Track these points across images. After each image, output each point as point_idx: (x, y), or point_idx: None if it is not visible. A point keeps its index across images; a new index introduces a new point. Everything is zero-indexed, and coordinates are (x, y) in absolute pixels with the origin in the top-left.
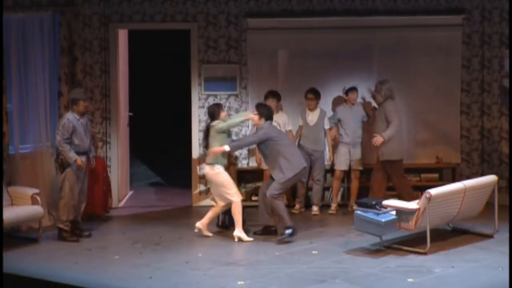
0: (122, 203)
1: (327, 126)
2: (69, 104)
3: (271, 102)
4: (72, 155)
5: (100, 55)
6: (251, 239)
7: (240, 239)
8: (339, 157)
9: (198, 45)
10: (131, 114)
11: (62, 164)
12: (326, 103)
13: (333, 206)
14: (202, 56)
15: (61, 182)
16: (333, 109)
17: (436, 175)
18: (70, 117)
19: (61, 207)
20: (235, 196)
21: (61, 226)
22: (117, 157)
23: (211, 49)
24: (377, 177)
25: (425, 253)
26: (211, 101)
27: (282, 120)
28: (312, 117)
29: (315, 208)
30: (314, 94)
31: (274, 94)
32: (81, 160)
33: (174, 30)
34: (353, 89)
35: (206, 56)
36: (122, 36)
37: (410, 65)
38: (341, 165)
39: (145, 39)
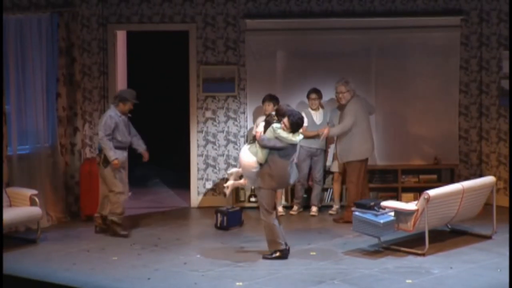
0: None
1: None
2: (115, 100)
3: (268, 106)
4: (112, 154)
5: (99, 56)
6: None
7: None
8: (335, 159)
9: (196, 46)
10: (129, 115)
11: (106, 159)
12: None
13: (335, 207)
14: (201, 57)
15: (107, 177)
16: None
17: (434, 176)
18: (112, 113)
19: (115, 200)
20: None
21: (115, 219)
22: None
23: (210, 50)
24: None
25: (423, 254)
26: (209, 102)
27: None
28: (318, 117)
29: (313, 209)
30: (317, 94)
31: (271, 98)
32: (118, 160)
33: (173, 31)
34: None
35: (205, 57)
36: (121, 37)
37: (408, 66)
38: (335, 167)
39: (144, 40)
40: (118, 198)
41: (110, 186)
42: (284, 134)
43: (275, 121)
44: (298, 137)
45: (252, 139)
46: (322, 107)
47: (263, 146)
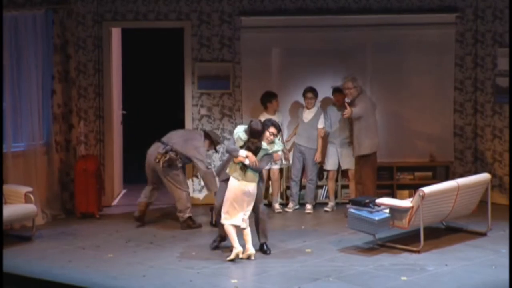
0: (115, 202)
1: (320, 126)
2: (206, 137)
3: (275, 103)
4: (216, 185)
5: (94, 53)
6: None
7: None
8: (328, 157)
9: (191, 43)
10: (124, 112)
11: (171, 162)
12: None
13: (330, 204)
14: (196, 55)
15: (180, 176)
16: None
17: (429, 173)
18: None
19: (184, 197)
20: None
21: (190, 214)
22: (111, 155)
23: (205, 48)
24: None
25: (418, 251)
26: (204, 99)
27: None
28: (308, 114)
29: (308, 207)
30: (313, 93)
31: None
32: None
33: (168, 28)
34: (338, 89)
35: (200, 55)
36: (116, 34)
37: (403, 63)
38: (330, 165)
39: (139, 38)
40: (187, 194)
41: (181, 186)
42: (275, 146)
43: (260, 144)
44: (280, 144)
45: (242, 168)
46: (315, 106)
47: (262, 168)
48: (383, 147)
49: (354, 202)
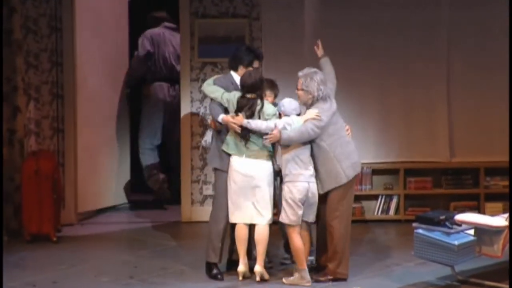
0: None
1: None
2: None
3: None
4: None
5: (48, 5)
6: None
7: (262, 278)
8: None
9: None
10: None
11: None
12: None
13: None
14: (196, 8)
15: None
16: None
17: None
18: None
19: None
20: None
21: None
22: (73, 152)
23: None
24: None
25: None
26: (208, 71)
27: None
28: None
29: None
30: (272, 90)
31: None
32: None
33: None
34: None
35: (202, 8)
36: None
37: (492, 22)
38: None
39: None
40: None
41: None
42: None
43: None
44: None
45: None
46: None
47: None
48: (465, 141)
49: (423, 220)
